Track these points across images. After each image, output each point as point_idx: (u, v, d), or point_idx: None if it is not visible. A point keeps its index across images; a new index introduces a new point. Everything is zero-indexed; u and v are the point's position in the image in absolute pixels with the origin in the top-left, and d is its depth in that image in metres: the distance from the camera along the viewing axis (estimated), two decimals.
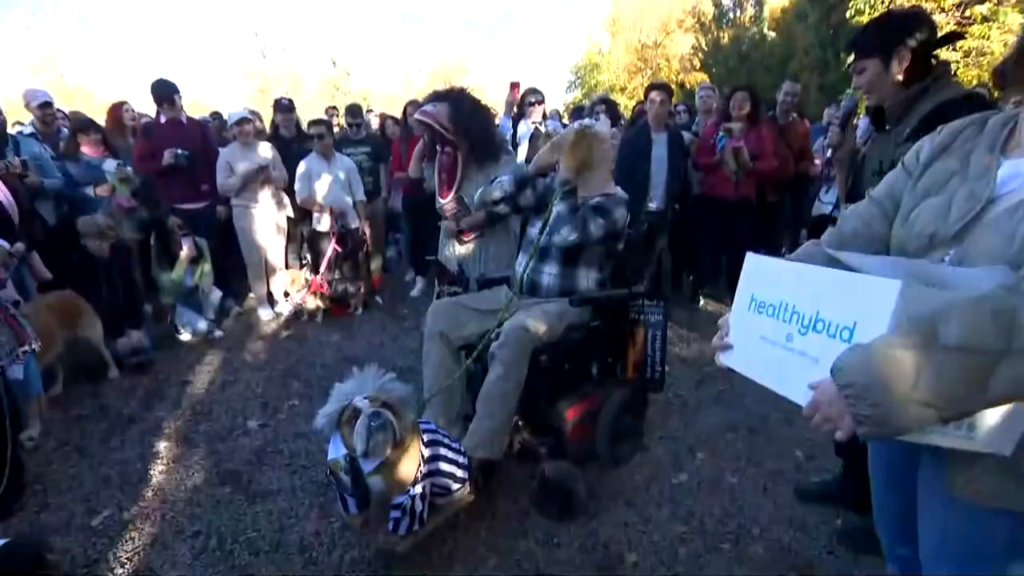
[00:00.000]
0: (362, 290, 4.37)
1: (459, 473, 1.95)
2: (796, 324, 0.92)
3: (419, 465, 1.80)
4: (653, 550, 2.00)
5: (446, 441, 1.95)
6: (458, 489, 1.97)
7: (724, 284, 4.61)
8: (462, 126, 2.68)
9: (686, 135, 4.22)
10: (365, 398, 1.68)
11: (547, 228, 2.26)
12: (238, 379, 3.36)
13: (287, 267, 4.48)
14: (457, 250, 2.91)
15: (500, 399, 2.07)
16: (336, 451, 1.74)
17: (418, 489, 1.79)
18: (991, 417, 0.84)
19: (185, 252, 3.76)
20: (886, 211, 1.07)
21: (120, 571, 1.95)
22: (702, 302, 4.42)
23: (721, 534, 2.07)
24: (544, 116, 4.96)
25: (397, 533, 1.82)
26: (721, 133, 3.92)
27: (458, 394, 2.30)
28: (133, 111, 4.33)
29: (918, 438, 0.84)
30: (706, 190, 4.14)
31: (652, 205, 3.99)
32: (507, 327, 2.08)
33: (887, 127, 1.72)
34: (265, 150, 4.13)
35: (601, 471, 2.38)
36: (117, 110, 4.33)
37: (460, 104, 2.69)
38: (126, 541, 2.08)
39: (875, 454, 1.23)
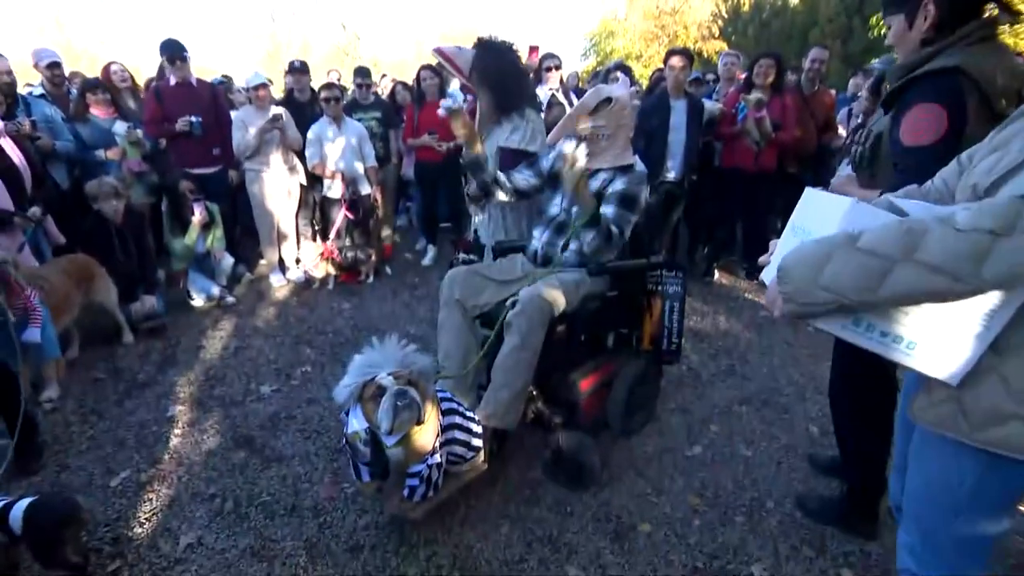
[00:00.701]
0: (373, 258, 4.34)
1: (473, 442, 1.96)
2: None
3: (437, 435, 1.80)
4: (666, 521, 2.01)
5: (461, 410, 1.95)
6: (472, 457, 1.98)
7: (739, 258, 4.55)
8: (482, 72, 2.52)
9: (712, 104, 4.09)
10: (389, 375, 1.66)
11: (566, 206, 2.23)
12: (250, 345, 3.37)
13: (298, 234, 4.46)
14: (477, 216, 2.85)
15: (515, 368, 2.06)
16: (356, 424, 1.74)
17: (436, 459, 1.80)
18: (936, 340, 0.99)
19: (197, 217, 3.74)
20: (964, 168, 1.13)
21: (139, 530, 1.99)
22: (716, 276, 4.37)
23: (735, 506, 2.08)
24: (561, 82, 4.86)
25: (412, 500, 1.84)
26: (742, 102, 3.82)
27: (473, 368, 2.25)
28: (122, 70, 4.16)
29: (830, 327, 1.05)
30: (725, 161, 4.05)
31: (670, 175, 3.91)
32: (524, 296, 2.06)
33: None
34: (278, 110, 4.07)
35: (614, 442, 2.39)
36: (105, 71, 4.22)
37: (485, 51, 2.52)
38: (144, 502, 2.12)
39: (900, 414, 1.32)
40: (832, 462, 2.22)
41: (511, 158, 2.52)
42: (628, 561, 1.85)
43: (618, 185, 2.17)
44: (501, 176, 2.35)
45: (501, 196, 2.39)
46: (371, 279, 4.38)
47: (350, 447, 1.83)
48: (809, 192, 1.17)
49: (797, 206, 1.17)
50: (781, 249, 1.15)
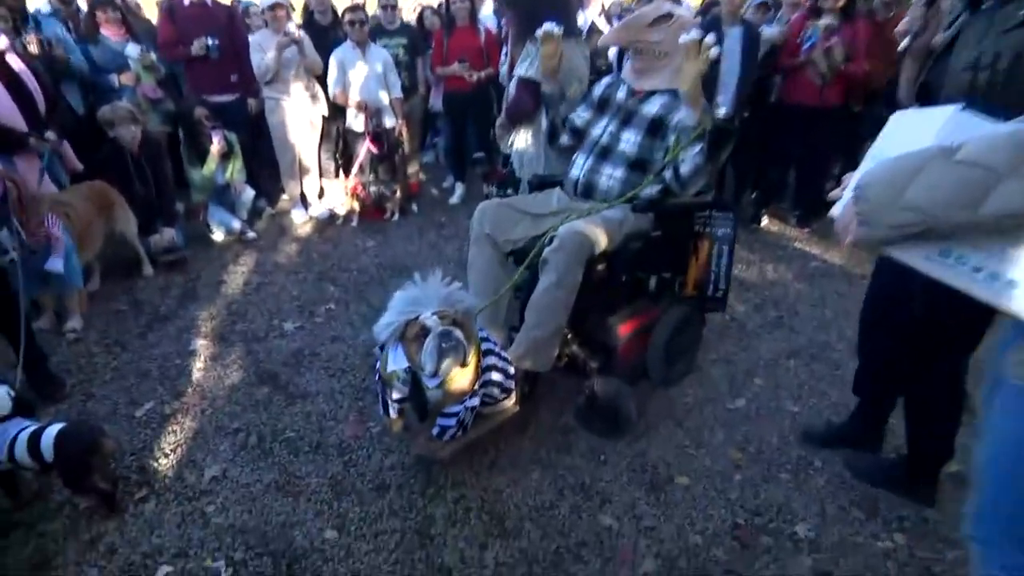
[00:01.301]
0: (398, 195, 4.31)
1: (506, 383, 1.96)
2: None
3: (477, 377, 1.81)
4: (705, 474, 2.00)
5: (496, 350, 1.94)
6: (504, 399, 1.99)
7: (790, 203, 4.39)
8: None
9: (772, 30, 3.84)
10: (434, 314, 1.65)
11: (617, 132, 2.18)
12: (272, 281, 3.40)
13: (320, 167, 4.42)
14: (514, 142, 2.78)
15: (550, 309, 2.04)
16: (395, 363, 1.74)
17: (474, 401, 1.82)
18: None
19: (215, 146, 3.72)
20: None
21: (164, 461, 2.05)
22: (764, 222, 4.23)
23: (779, 463, 2.06)
24: (603, 9, 4.68)
25: (441, 439, 1.86)
26: (810, 30, 3.57)
27: (505, 302, 2.28)
28: None
29: (910, 258, 0.95)
30: (785, 95, 3.84)
31: (720, 111, 3.72)
32: (562, 231, 2.01)
33: (984, 5, 1.43)
34: (295, 28, 3.96)
35: (653, 391, 2.37)
36: None
37: None
38: (168, 433, 2.18)
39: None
40: (829, 431, 2.13)
41: (523, 88, 2.51)
42: (664, 513, 1.85)
43: (687, 120, 2.05)
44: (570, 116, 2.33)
45: (564, 139, 2.37)
46: (396, 217, 4.36)
47: (383, 384, 1.85)
48: (898, 115, 1.08)
49: (881, 134, 1.08)
50: (855, 178, 1.06)
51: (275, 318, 3.00)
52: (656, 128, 2.14)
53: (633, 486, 1.95)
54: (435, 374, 1.67)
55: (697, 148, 2.00)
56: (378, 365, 1.89)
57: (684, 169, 2.04)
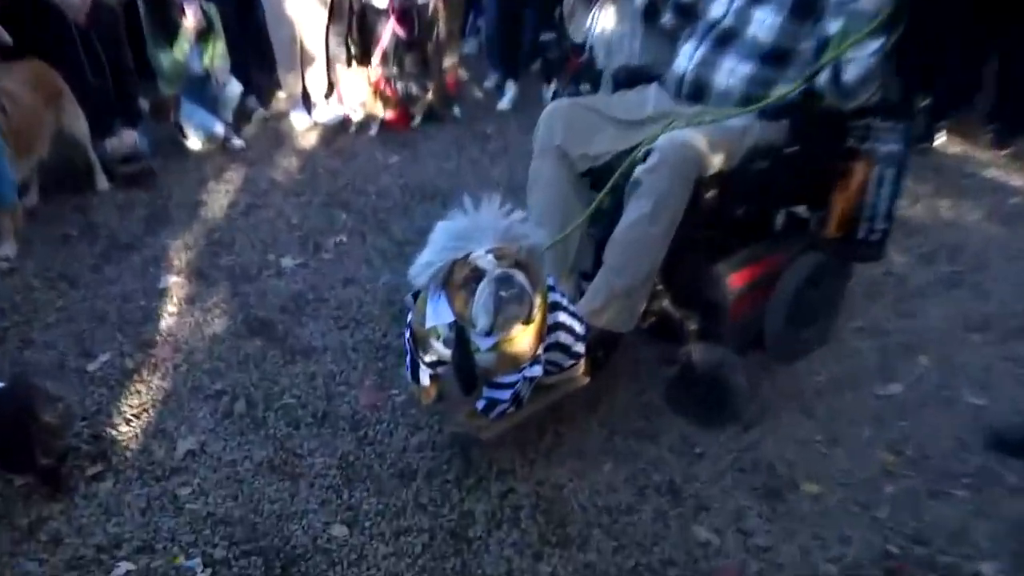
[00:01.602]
0: (430, 95, 4.30)
1: (575, 347, 1.96)
2: None
3: (541, 339, 1.82)
4: (843, 482, 1.99)
5: (565, 303, 1.95)
6: (571, 366, 1.99)
7: (983, 113, 4.17)
8: None
9: None
10: (490, 252, 1.63)
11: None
12: (266, 204, 3.45)
13: (328, 55, 4.40)
14: (595, 23, 2.74)
15: (639, 249, 2.03)
16: (435, 316, 1.75)
17: (536, 370, 1.84)
18: None
19: (189, 21, 3.72)
20: None
21: (125, 429, 2.13)
22: (940, 139, 4.06)
23: (952, 475, 2.02)
24: None
25: (487, 415, 1.88)
26: None
27: (576, 239, 2.28)
28: None
29: None
30: None
31: None
32: (662, 144, 1.98)
33: None
34: None
35: (770, 365, 2.36)
36: None
37: None
38: (131, 394, 2.26)
39: None
40: None
41: None
42: (783, 529, 1.83)
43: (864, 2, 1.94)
44: None
45: (666, 19, 2.37)
46: (420, 122, 4.38)
47: (414, 342, 1.88)
48: None
49: None
50: None
51: (270, 251, 3.04)
52: (807, 6, 2.08)
53: (740, 491, 1.94)
54: (490, 331, 1.67)
55: (874, 45, 1.89)
56: (410, 317, 1.89)
57: (850, 74, 1.94)
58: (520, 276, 1.64)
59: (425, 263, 1.69)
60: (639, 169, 2.00)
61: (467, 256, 1.64)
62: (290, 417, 2.16)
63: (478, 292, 1.63)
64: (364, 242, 3.12)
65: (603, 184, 2.15)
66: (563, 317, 1.92)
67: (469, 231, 1.67)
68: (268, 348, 2.46)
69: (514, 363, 1.80)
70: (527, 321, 1.71)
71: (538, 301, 1.73)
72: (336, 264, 2.96)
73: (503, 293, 1.61)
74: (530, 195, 2.30)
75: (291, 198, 3.51)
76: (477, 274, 1.63)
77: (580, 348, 1.98)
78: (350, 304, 2.69)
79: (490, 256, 1.63)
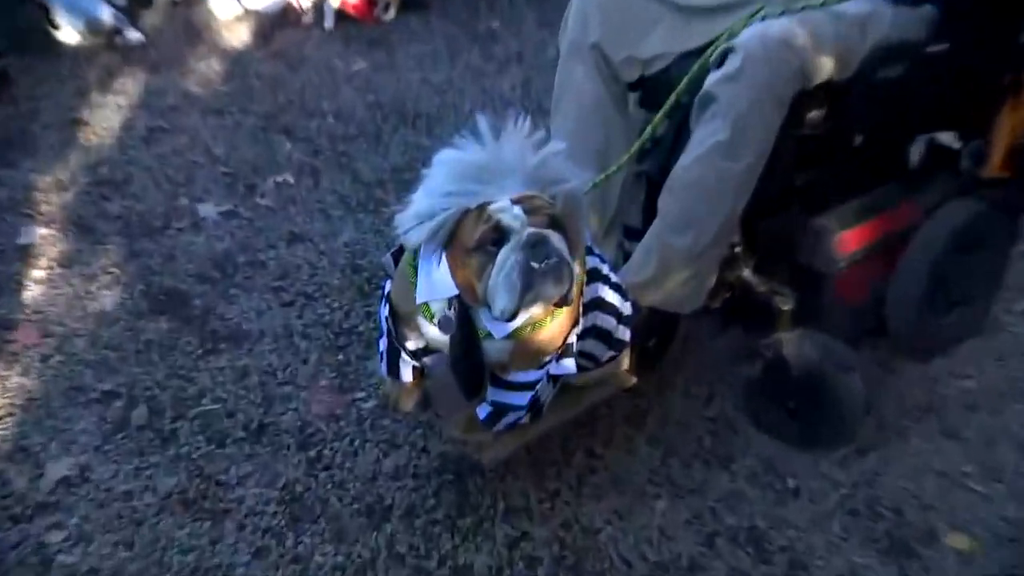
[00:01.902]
0: None
1: (618, 333, 1.92)
2: None
3: (575, 323, 1.78)
4: (1006, 533, 1.93)
5: (606, 271, 1.91)
6: (611, 360, 1.96)
7: None
8: None
9: None
10: (516, 202, 1.55)
11: None
12: (177, 126, 3.44)
13: None
14: None
15: (712, 193, 1.96)
16: (428, 289, 1.70)
17: (567, 366, 1.81)
18: None
19: None
20: None
21: None
22: None
23: None
24: None
25: (491, 427, 1.85)
26: None
27: (619, 179, 2.25)
28: None
29: None
30: None
31: None
32: (746, 41, 1.90)
33: None
34: None
35: (899, 363, 2.34)
36: None
37: None
38: None
39: None
40: None
41: None
42: None
43: None
44: None
45: None
46: (393, 15, 4.39)
47: (395, 323, 1.84)
48: None
49: None
50: None
51: (182, 194, 3.02)
52: None
53: (852, 543, 1.90)
54: (513, 316, 1.60)
55: None
56: (387, 287, 1.86)
57: None
58: (558, 239, 1.57)
59: (419, 213, 1.61)
60: (712, 78, 1.93)
61: (483, 207, 1.56)
62: (211, 430, 2.11)
63: (499, 261, 1.55)
64: (317, 184, 3.11)
65: (659, 101, 2.09)
66: (604, 291, 1.89)
67: (485, 169, 1.59)
68: (179, 332, 2.42)
69: (536, 356, 1.76)
70: (563, 303, 1.65)
71: (578, 271, 1.69)
72: (278, 214, 2.95)
73: (536, 264, 1.53)
74: (554, 117, 2.28)
75: (212, 118, 3.50)
76: (498, 234, 1.55)
77: (625, 335, 1.94)
78: (298, 270, 2.67)
79: (517, 209, 1.55)
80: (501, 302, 1.55)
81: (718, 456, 2.08)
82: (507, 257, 1.52)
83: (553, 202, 1.58)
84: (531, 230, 1.52)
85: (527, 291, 1.53)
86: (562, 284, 1.56)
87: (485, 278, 1.56)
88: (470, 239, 1.56)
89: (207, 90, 3.69)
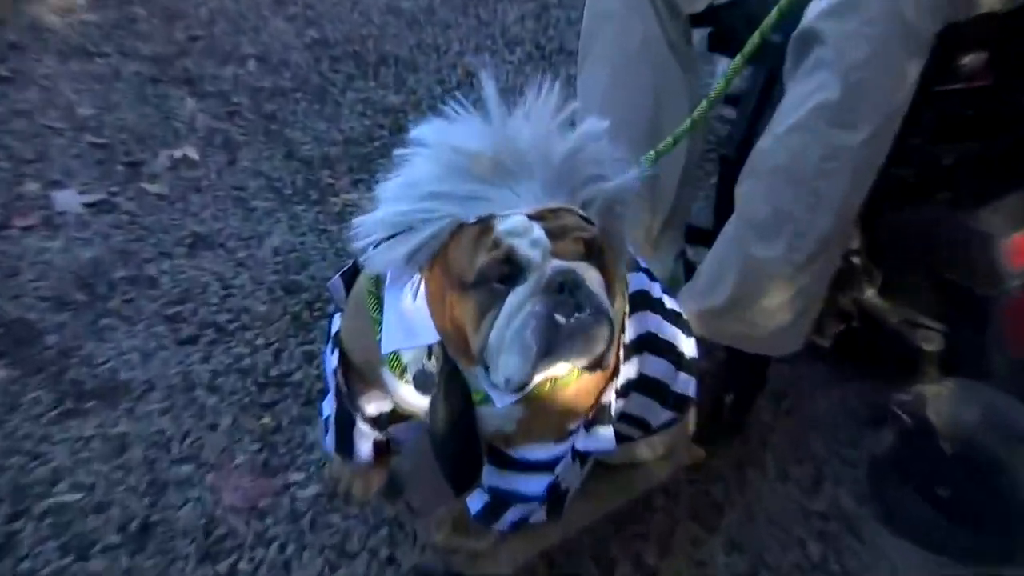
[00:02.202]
0: None
1: (676, 383, 1.90)
2: None
3: (611, 380, 1.68)
4: None
5: (657, 294, 1.89)
6: (666, 424, 1.94)
7: None
8: None
9: None
10: (536, 220, 1.44)
11: None
12: (24, 75, 3.66)
13: None
14: None
15: (814, 177, 1.96)
16: (404, 333, 1.62)
17: (603, 440, 1.72)
18: None
19: None
20: None
21: None
22: None
23: None
24: None
25: (489, 526, 1.83)
26: None
27: (679, 159, 2.28)
28: None
29: None
30: None
31: None
32: None
33: None
34: None
35: None
36: None
37: None
38: None
39: None
40: None
41: None
42: None
43: None
44: None
45: None
46: None
47: (343, 376, 1.81)
48: None
49: None
50: None
51: (28, 177, 3.07)
52: None
53: None
54: (523, 387, 1.49)
55: None
56: (336, 324, 1.83)
57: None
58: (595, 281, 1.45)
59: (389, 220, 1.49)
60: (813, 11, 1.91)
61: (486, 222, 1.44)
62: (70, 534, 2.02)
63: (508, 307, 1.42)
64: (233, 161, 3.23)
65: (736, 40, 2.05)
66: (656, 324, 1.83)
67: (492, 162, 1.47)
68: (23, 384, 2.39)
69: (557, 423, 1.68)
70: (596, 367, 1.53)
71: (618, 307, 1.58)
72: (174, 207, 3.01)
73: (561, 319, 1.41)
74: (582, 64, 2.34)
75: (75, 63, 3.53)
76: (508, 267, 1.43)
77: (688, 388, 1.93)
78: (204, 291, 2.69)
79: (538, 231, 1.42)
80: (508, 368, 1.42)
81: (830, 573, 2.04)
82: (521, 304, 1.39)
83: (588, 219, 1.45)
84: (557, 264, 1.39)
85: (547, 356, 1.40)
86: (596, 345, 1.44)
87: (485, 328, 1.42)
88: (466, 268, 1.42)
89: (67, 20, 3.75)
